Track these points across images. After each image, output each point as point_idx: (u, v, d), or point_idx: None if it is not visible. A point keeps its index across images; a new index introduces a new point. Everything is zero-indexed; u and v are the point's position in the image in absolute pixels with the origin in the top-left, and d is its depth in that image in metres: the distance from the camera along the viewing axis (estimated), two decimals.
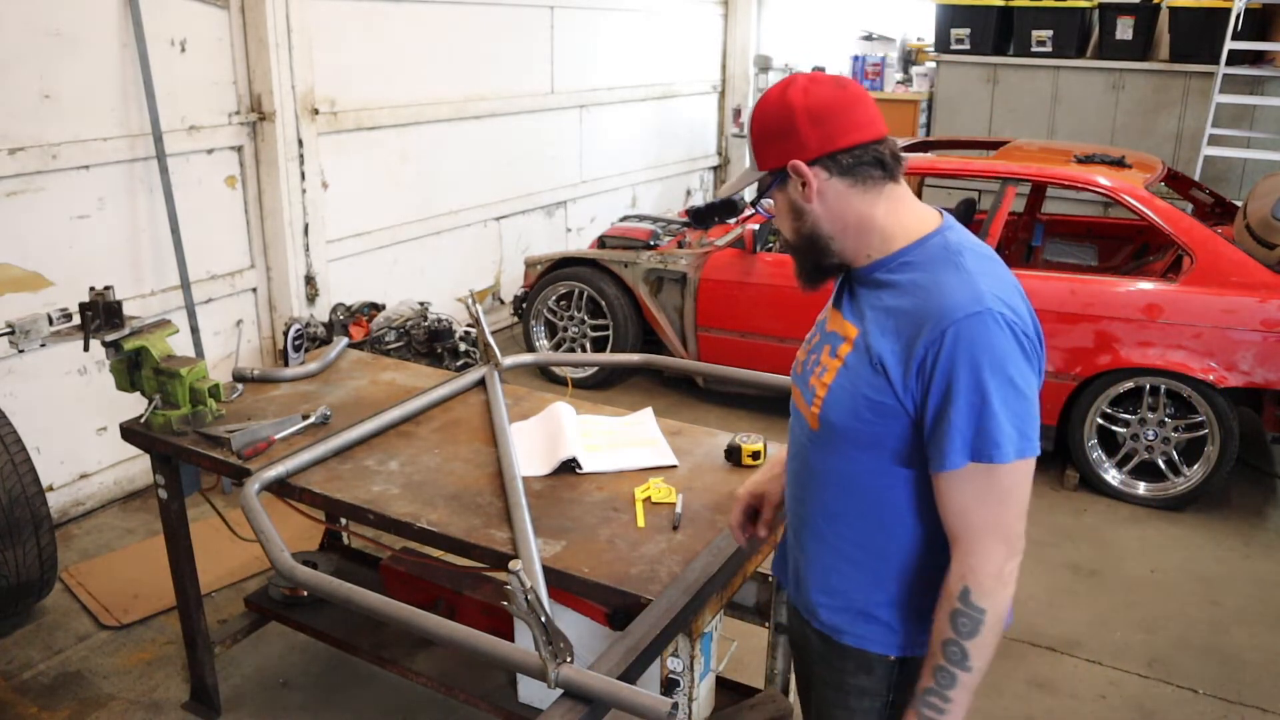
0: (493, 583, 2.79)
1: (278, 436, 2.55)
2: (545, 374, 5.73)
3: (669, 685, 1.97)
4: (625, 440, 2.58)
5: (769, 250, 5.08)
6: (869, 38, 8.34)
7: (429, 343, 4.83)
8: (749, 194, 1.74)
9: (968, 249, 1.53)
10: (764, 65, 8.21)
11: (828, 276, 1.63)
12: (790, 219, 1.58)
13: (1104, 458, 4.48)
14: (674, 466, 2.45)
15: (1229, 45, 6.37)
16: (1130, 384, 4.33)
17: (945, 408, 1.44)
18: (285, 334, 4.52)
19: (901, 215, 1.56)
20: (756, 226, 5.02)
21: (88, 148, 3.97)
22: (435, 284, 5.83)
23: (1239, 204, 4.82)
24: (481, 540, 2.12)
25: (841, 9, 8.53)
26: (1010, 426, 1.43)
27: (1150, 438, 4.36)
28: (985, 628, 1.48)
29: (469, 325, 4.79)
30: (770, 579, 2.45)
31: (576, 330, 5.68)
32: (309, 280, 5.01)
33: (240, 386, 2.88)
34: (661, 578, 1.95)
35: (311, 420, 2.64)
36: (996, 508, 1.46)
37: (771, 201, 1.62)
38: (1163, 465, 4.37)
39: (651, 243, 5.57)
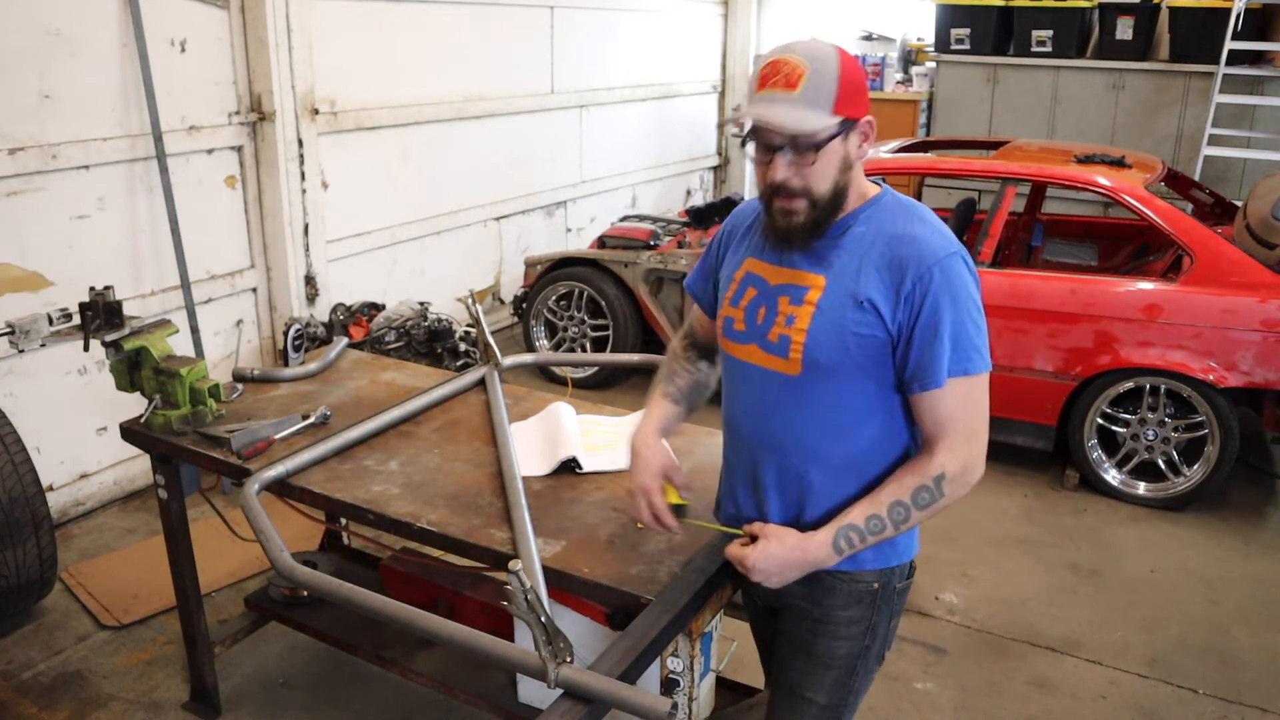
0: (493, 583, 2.79)
1: (278, 436, 2.55)
2: (545, 374, 5.73)
3: (669, 685, 1.97)
4: (625, 440, 2.57)
5: None
6: (869, 38, 8.34)
7: (429, 343, 4.83)
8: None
9: (918, 206, 1.77)
10: None
11: (823, 232, 1.73)
12: (837, 171, 1.69)
13: (1104, 458, 4.48)
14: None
15: (1229, 45, 6.37)
16: (1130, 384, 4.33)
17: (936, 331, 1.65)
18: (285, 334, 4.52)
19: (864, 178, 1.79)
20: None
21: (88, 148, 3.97)
22: (435, 284, 5.83)
23: (1239, 204, 4.82)
24: (481, 540, 2.12)
25: (841, 9, 8.54)
26: (983, 345, 1.69)
27: (1150, 438, 4.36)
28: (934, 508, 1.70)
29: (469, 325, 4.79)
30: None
31: (576, 330, 5.68)
32: (309, 280, 5.01)
33: (240, 386, 2.88)
34: (661, 578, 1.95)
35: (311, 420, 2.64)
36: (974, 413, 1.70)
37: (767, 151, 1.68)
38: (1163, 465, 4.37)
39: (651, 243, 5.57)
